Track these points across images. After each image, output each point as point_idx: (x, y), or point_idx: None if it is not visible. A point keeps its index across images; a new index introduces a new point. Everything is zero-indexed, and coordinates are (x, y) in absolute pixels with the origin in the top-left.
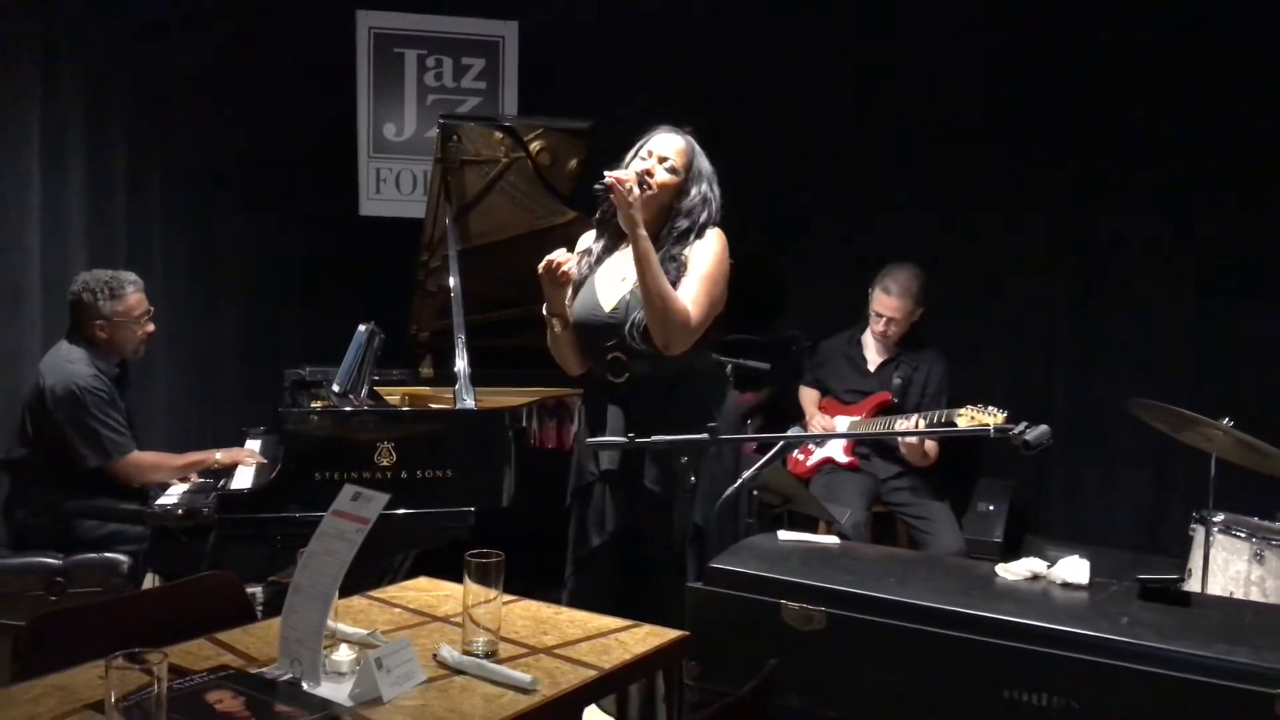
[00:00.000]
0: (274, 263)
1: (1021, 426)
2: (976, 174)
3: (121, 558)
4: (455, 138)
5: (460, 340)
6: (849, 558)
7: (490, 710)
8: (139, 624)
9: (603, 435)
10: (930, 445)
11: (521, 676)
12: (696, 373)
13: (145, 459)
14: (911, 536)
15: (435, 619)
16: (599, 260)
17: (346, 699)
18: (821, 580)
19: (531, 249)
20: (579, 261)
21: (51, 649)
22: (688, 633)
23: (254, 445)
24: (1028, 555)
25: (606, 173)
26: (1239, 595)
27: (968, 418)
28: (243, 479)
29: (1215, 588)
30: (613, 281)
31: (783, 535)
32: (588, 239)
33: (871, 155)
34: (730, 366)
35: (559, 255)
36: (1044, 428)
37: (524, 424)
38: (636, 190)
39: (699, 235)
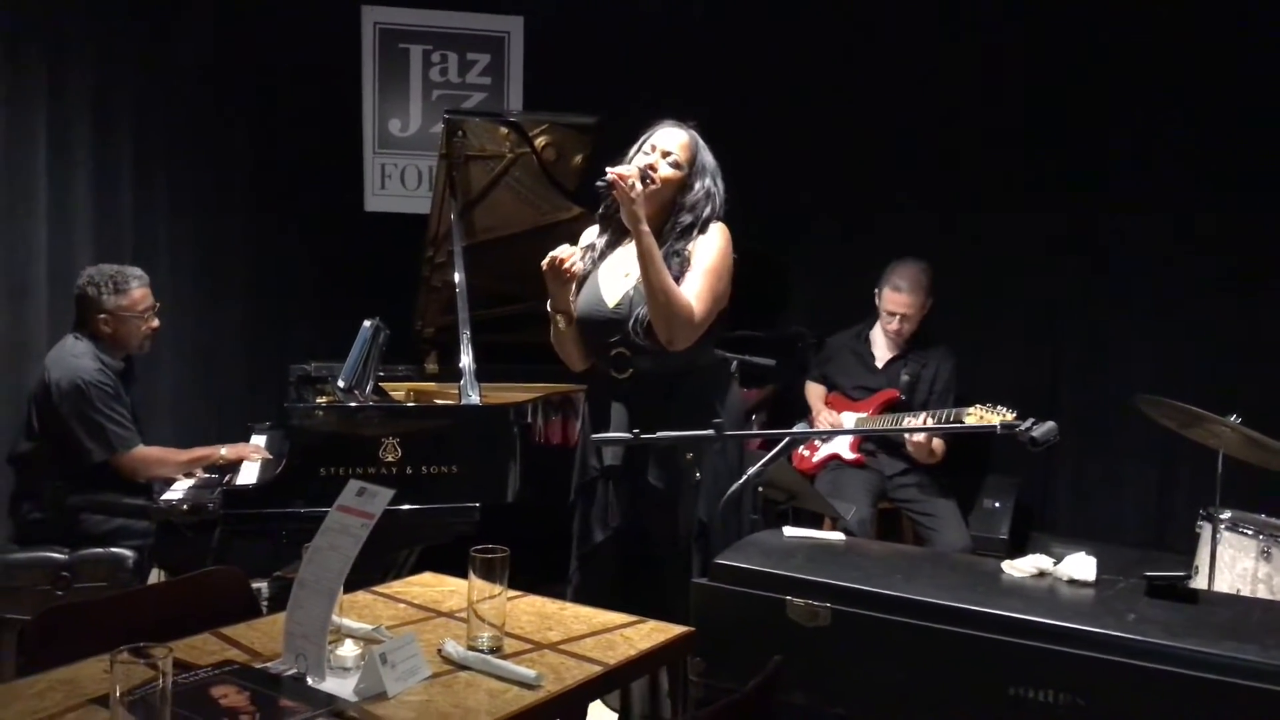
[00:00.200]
0: (279, 258)
1: (1028, 423)
2: (981, 170)
3: (127, 553)
4: (460, 133)
5: (465, 336)
6: (854, 554)
7: (495, 706)
8: (144, 619)
9: (607, 431)
10: (937, 444)
11: (526, 672)
12: (700, 369)
13: (150, 454)
14: (917, 533)
15: (440, 614)
16: (602, 256)
17: (351, 694)
18: (827, 576)
19: (537, 245)
20: (582, 257)
21: (57, 643)
22: (693, 629)
23: (259, 441)
24: (1034, 552)
25: (609, 169)
26: (1246, 592)
27: (976, 417)
28: (248, 474)
29: (1222, 585)
30: (616, 277)
31: (788, 531)
32: (591, 234)
33: (876, 151)
34: (735, 363)
35: (562, 251)
36: (1051, 424)
37: (529, 420)
38: (639, 186)
39: (702, 230)
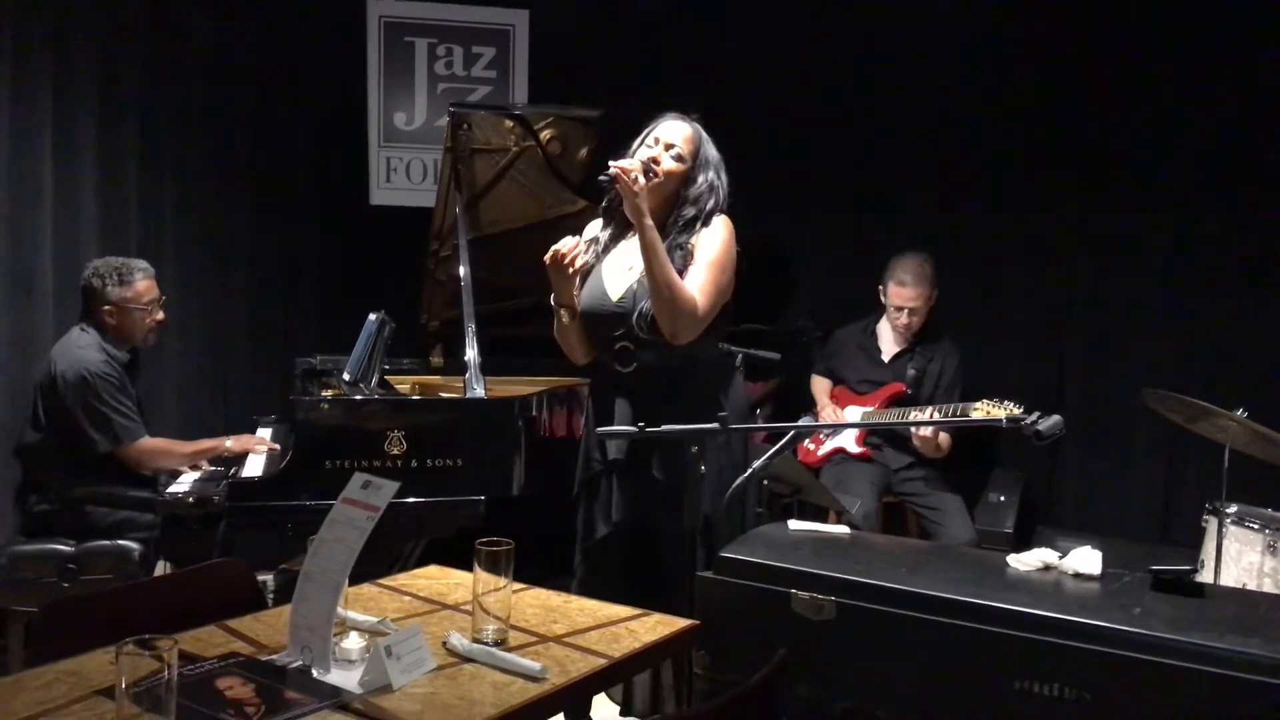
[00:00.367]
0: (284, 252)
1: (1034, 417)
2: (986, 165)
3: (133, 545)
4: (465, 126)
5: (470, 329)
6: (860, 547)
7: (500, 698)
8: (150, 611)
9: (610, 425)
10: (944, 439)
11: (531, 664)
12: (704, 362)
13: (156, 445)
14: (922, 527)
15: (445, 607)
16: (606, 249)
17: (356, 686)
18: (832, 570)
19: (542, 238)
20: (586, 250)
21: (64, 635)
22: (697, 622)
23: (264, 434)
24: (1039, 546)
25: (611, 163)
26: (1252, 586)
27: (982, 411)
28: (253, 467)
29: (1228, 579)
30: (620, 270)
31: (793, 525)
32: (595, 228)
33: (882, 143)
34: (740, 356)
35: (564, 244)
36: (1056, 418)
37: (534, 413)
38: (642, 180)
39: (705, 223)
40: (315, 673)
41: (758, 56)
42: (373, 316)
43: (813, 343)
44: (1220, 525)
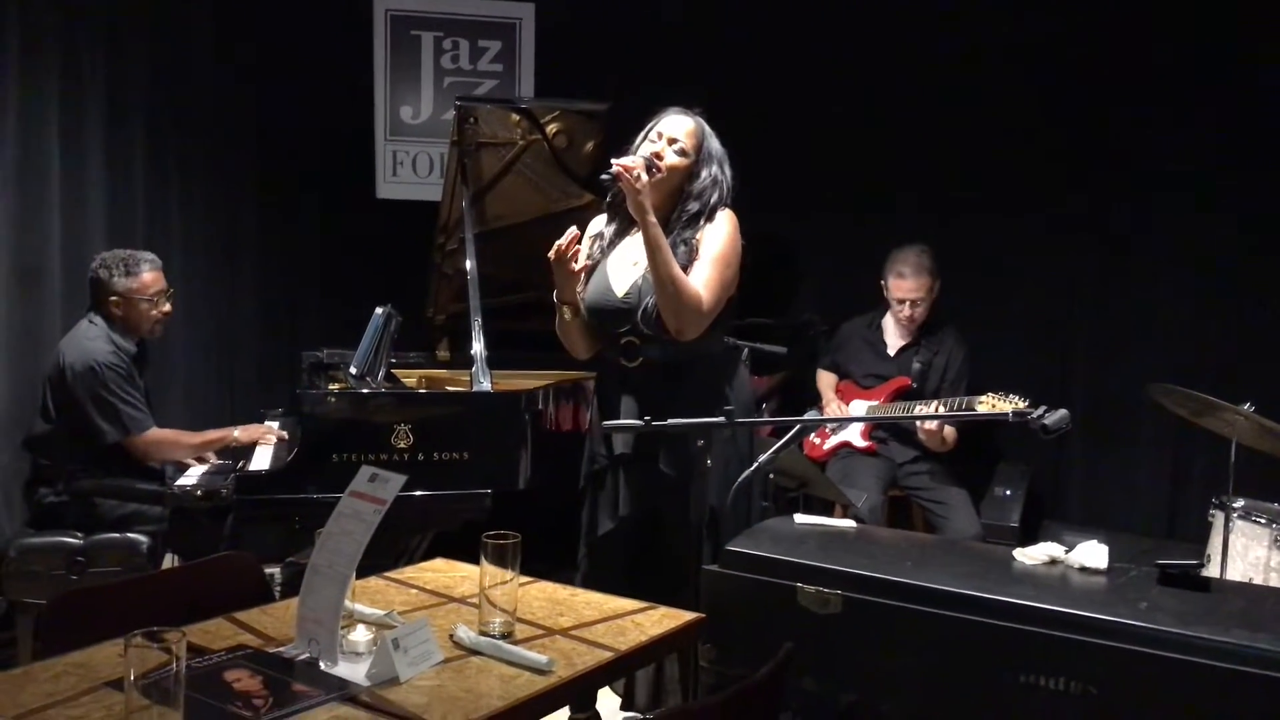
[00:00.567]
0: (291, 245)
1: (1040, 410)
2: (992, 158)
3: (141, 538)
4: (472, 120)
5: (477, 323)
6: (865, 541)
7: (506, 690)
8: (158, 603)
9: (616, 419)
10: (949, 432)
11: (537, 657)
12: (710, 356)
13: (164, 436)
14: (928, 521)
15: (452, 600)
16: (611, 245)
17: (363, 679)
18: (838, 563)
19: (548, 232)
20: (591, 246)
21: (72, 627)
22: (703, 615)
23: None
24: (1045, 540)
25: (614, 160)
26: (1259, 581)
27: (988, 405)
28: (261, 460)
29: (1235, 574)
30: (625, 266)
31: (799, 518)
32: (599, 223)
33: (887, 136)
34: (746, 350)
35: (567, 238)
36: (1063, 412)
37: (540, 407)
38: (644, 176)
39: (710, 218)
40: (323, 665)
41: (763, 50)
42: (380, 310)
43: (818, 337)
44: (1227, 520)
